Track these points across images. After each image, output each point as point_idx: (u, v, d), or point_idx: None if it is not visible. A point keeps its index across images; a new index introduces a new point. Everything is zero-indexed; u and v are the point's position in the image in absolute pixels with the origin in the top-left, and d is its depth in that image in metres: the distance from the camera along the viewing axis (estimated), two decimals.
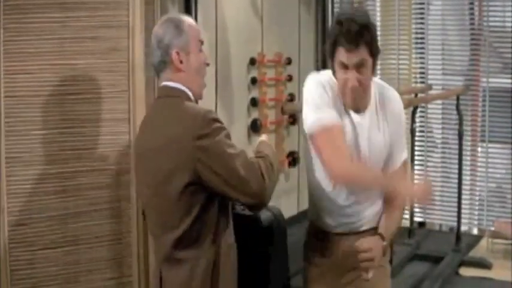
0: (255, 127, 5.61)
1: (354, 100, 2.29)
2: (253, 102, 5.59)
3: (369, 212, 2.42)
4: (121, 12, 2.82)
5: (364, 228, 2.42)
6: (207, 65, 2.21)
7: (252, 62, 5.56)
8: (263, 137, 2.35)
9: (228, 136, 2.07)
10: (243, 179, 2.01)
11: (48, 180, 2.72)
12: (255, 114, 5.67)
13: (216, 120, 2.05)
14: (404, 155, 2.42)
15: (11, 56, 2.63)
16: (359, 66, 2.23)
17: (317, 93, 2.28)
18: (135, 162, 2.29)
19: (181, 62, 2.11)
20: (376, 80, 2.43)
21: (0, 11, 2.59)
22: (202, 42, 2.19)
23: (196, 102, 2.20)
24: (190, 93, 2.14)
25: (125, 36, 2.83)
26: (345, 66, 2.24)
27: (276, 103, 5.93)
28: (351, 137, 2.32)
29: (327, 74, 2.38)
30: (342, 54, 2.23)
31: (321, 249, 2.48)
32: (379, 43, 2.28)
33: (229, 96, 5.20)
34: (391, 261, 2.50)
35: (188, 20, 2.16)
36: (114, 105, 2.84)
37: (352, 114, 2.33)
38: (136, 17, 2.85)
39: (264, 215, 2.41)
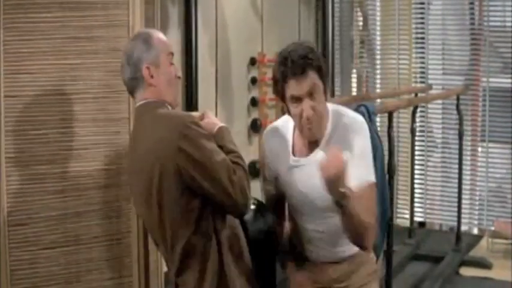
0: (255, 127, 5.61)
1: (311, 131, 2.20)
2: (253, 102, 5.59)
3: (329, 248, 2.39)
4: (121, 12, 2.82)
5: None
6: (179, 78, 2.22)
7: (252, 61, 5.56)
8: (211, 116, 2.25)
9: (209, 138, 2.05)
10: (228, 193, 2.03)
11: (48, 180, 2.72)
12: (255, 114, 5.67)
13: (195, 123, 2.05)
14: (363, 180, 2.18)
15: (10, 55, 2.63)
16: (311, 94, 2.15)
17: None
18: (129, 181, 2.30)
19: (151, 76, 2.11)
20: (333, 107, 2.31)
21: (0, 10, 2.59)
22: (172, 55, 2.20)
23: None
24: (166, 104, 2.16)
25: (124, 36, 2.82)
26: (297, 99, 2.16)
27: (276, 103, 5.92)
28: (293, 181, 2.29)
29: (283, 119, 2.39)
30: (292, 87, 2.14)
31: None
32: (327, 65, 2.28)
33: (229, 95, 5.20)
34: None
35: (156, 33, 2.19)
36: (114, 105, 2.83)
37: (297, 159, 2.28)
38: (136, 17, 2.85)
39: (256, 226, 2.31)
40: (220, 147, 2.10)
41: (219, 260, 2.10)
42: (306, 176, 2.25)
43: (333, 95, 6.02)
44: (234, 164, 2.06)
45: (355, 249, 2.33)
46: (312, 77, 2.14)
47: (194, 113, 2.26)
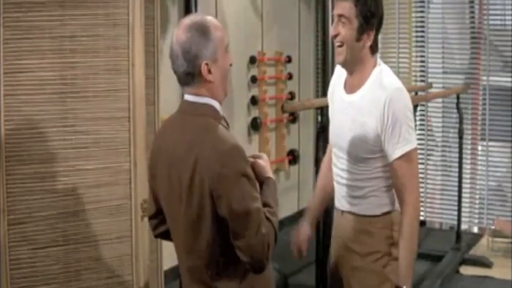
0: (255, 125, 5.61)
1: (338, 55, 2.38)
2: (253, 101, 5.59)
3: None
4: (121, 11, 2.82)
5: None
6: (230, 65, 2.09)
7: (252, 60, 5.56)
8: (265, 163, 2.15)
9: (253, 184, 1.97)
10: (248, 244, 1.92)
11: (48, 179, 2.72)
12: (255, 112, 5.67)
13: (241, 158, 1.95)
14: (401, 149, 2.30)
15: (11, 54, 2.63)
16: (341, 19, 2.34)
17: None
18: (153, 178, 2.14)
19: (209, 72, 1.98)
20: (383, 64, 2.43)
21: (0, 9, 2.59)
22: (228, 44, 2.07)
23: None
24: (217, 105, 2.04)
25: (124, 35, 2.82)
26: (334, 19, 2.38)
27: (276, 101, 5.93)
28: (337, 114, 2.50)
29: None
30: (334, 7, 2.38)
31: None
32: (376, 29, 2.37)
33: (229, 94, 5.18)
34: None
35: (213, 23, 2.00)
36: (114, 103, 2.83)
37: (344, 93, 2.47)
38: (136, 15, 2.84)
39: None
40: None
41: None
42: (342, 111, 2.46)
43: None
44: (266, 219, 1.97)
45: (370, 210, 2.42)
46: (349, 6, 2.32)
47: (250, 159, 2.11)
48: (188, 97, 2.04)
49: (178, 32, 2.00)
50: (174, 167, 2.01)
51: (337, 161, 2.50)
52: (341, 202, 2.52)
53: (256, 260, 1.95)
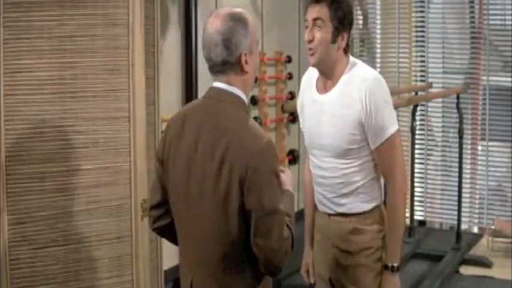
0: None
1: (312, 57, 2.40)
2: (253, 101, 5.59)
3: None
4: (121, 10, 2.82)
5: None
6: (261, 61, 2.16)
7: None
8: (286, 178, 2.15)
9: (279, 178, 1.98)
10: (272, 241, 1.92)
11: (48, 179, 2.72)
12: (255, 112, 5.67)
13: (276, 158, 1.98)
14: (385, 134, 2.36)
15: (10, 54, 2.63)
16: (316, 23, 2.37)
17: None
18: (162, 164, 2.10)
19: (246, 62, 2.01)
20: (353, 59, 2.48)
21: (0, 9, 2.59)
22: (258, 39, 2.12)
23: None
24: (245, 98, 2.05)
25: (124, 35, 2.82)
26: (307, 26, 2.40)
27: (276, 101, 5.93)
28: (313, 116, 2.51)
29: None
30: (307, 12, 2.41)
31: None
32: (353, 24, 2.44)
33: None
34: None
35: (250, 16, 2.05)
36: (114, 103, 2.83)
37: (317, 94, 2.50)
38: (136, 15, 2.84)
39: None
40: None
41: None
42: (318, 110, 2.47)
43: None
44: (289, 229, 1.99)
45: (359, 207, 2.44)
46: (322, 10, 2.36)
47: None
48: (219, 84, 2.03)
49: (215, 21, 2.00)
50: (200, 152, 1.99)
51: (320, 162, 2.50)
52: (327, 206, 2.52)
53: (274, 263, 1.96)
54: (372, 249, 2.44)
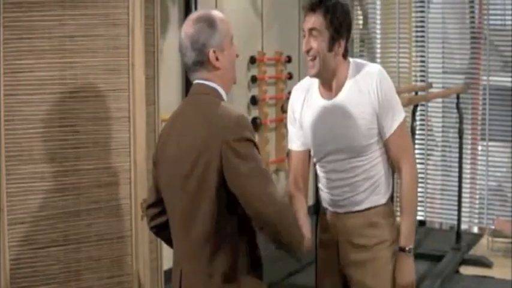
0: (255, 125, 5.61)
1: (312, 69, 2.42)
2: (253, 101, 5.59)
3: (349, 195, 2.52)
4: (121, 10, 2.82)
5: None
6: (237, 56, 2.21)
7: (252, 60, 5.56)
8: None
9: (257, 148, 2.05)
10: (268, 199, 1.96)
11: (48, 179, 2.72)
12: (255, 112, 5.67)
13: (248, 128, 2.04)
14: (397, 121, 2.44)
15: (10, 54, 2.63)
16: (312, 33, 2.39)
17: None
18: (156, 164, 2.22)
19: (217, 59, 2.10)
20: (354, 60, 2.51)
21: (0, 9, 2.59)
22: (232, 36, 2.19)
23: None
24: (222, 91, 2.15)
25: (124, 35, 2.82)
26: (304, 35, 2.42)
27: (276, 101, 5.93)
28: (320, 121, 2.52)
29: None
30: (304, 21, 2.42)
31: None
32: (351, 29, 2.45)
33: (229, 94, 5.15)
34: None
35: (218, 15, 2.14)
36: (114, 103, 2.83)
37: (322, 100, 2.50)
38: (136, 15, 2.84)
39: None
40: None
41: (249, 243, 2.10)
42: (328, 117, 2.48)
43: None
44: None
45: (376, 201, 2.49)
46: (319, 19, 2.37)
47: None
48: (197, 80, 2.15)
49: (186, 26, 2.12)
50: (182, 144, 2.08)
51: (336, 166, 2.50)
52: (343, 206, 2.52)
53: (281, 233, 1.99)
54: (388, 242, 2.47)
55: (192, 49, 2.09)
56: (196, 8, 4.69)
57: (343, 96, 2.44)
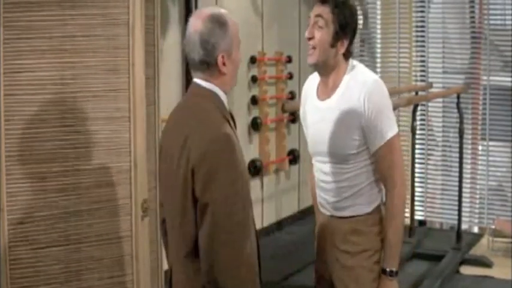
0: (255, 125, 5.62)
1: (311, 56, 2.43)
2: (254, 101, 5.59)
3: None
4: (121, 10, 2.81)
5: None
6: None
7: (253, 60, 5.56)
8: None
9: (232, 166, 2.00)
10: (202, 235, 1.95)
11: (49, 179, 2.72)
12: (255, 112, 5.67)
13: (229, 141, 1.99)
14: (385, 138, 2.37)
15: (10, 54, 2.63)
16: (317, 22, 2.40)
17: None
18: (159, 160, 2.24)
19: (224, 64, 2.06)
20: (354, 62, 2.50)
21: (0, 9, 2.59)
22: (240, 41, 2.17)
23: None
24: (221, 94, 2.10)
25: (124, 34, 2.82)
26: (309, 24, 2.44)
27: (276, 101, 5.93)
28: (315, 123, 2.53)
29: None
30: (312, 11, 2.45)
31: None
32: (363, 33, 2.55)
33: (230, 94, 5.17)
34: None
35: (230, 18, 2.10)
36: (114, 103, 2.83)
37: (318, 101, 2.51)
38: (137, 15, 2.84)
39: None
40: None
41: None
42: (320, 117, 2.49)
43: None
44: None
45: (360, 210, 2.46)
46: (325, 11, 2.40)
47: None
48: (197, 80, 2.10)
49: (195, 22, 2.05)
50: (173, 145, 2.05)
51: (323, 168, 2.52)
52: (329, 210, 2.55)
53: (205, 263, 1.96)
54: (372, 251, 2.45)
55: (201, 47, 2.03)
56: (196, 7, 4.69)
57: (334, 101, 2.44)
